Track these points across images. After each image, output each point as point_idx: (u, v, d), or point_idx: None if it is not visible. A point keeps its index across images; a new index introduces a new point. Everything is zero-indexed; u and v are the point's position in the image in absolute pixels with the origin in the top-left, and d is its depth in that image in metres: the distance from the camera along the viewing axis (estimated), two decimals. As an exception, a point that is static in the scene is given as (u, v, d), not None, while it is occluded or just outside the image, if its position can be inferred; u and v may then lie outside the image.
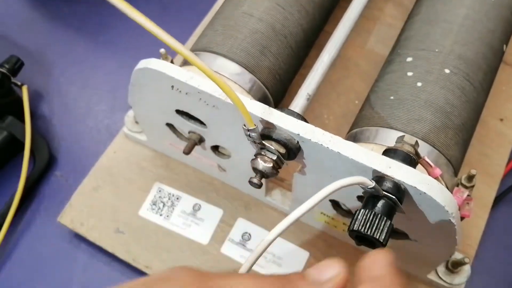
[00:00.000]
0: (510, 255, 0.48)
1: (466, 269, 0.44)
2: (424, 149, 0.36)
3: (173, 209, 0.48)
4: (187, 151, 0.42)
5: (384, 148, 0.34)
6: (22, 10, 0.64)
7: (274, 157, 0.34)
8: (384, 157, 0.32)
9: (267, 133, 0.34)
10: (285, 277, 0.24)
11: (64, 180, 0.53)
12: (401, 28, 0.46)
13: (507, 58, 0.54)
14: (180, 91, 0.37)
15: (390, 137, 0.37)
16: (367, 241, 0.31)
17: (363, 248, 0.33)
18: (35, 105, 0.57)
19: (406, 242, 0.39)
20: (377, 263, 0.25)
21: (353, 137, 0.39)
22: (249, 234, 0.47)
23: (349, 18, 0.44)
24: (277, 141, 0.34)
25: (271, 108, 0.34)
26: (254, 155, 0.34)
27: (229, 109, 0.35)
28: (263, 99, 0.41)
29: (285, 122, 0.33)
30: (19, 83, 0.55)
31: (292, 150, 0.34)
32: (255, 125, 0.32)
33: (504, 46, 0.43)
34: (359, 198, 0.35)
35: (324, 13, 0.47)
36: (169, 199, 0.48)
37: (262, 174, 0.34)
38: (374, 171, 0.32)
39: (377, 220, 0.30)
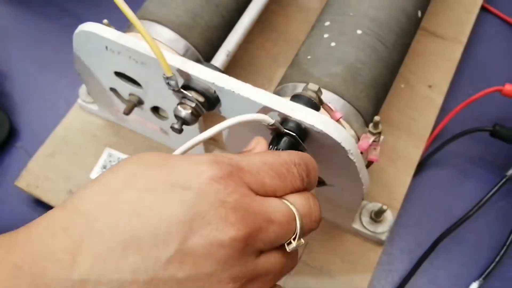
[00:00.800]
0: (436, 210, 0.52)
1: (389, 219, 0.47)
2: (332, 99, 0.40)
3: (122, 172, 0.51)
4: (127, 112, 0.45)
5: (295, 99, 0.38)
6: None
7: (193, 105, 0.37)
8: (288, 100, 0.36)
9: (187, 83, 0.38)
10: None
11: (24, 150, 0.56)
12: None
13: (437, 31, 0.58)
14: (113, 51, 0.40)
15: (304, 91, 0.40)
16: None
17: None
18: (-3, 82, 0.61)
19: (325, 189, 0.42)
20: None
21: (276, 94, 0.43)
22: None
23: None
24: (196, 90, 0.37)
25: (189, 60, 0.38)
26: (177, 104, 0.38)
27: (155, 66, 0.39)
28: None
29: (201, 72, 0.37)
30: (-19, 62, 0.58)
31: (210, 99, 0.38)
32: (172, 73, 0.35)
33: (419, 12, 0.47)
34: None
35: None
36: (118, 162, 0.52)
37: (183, 120, 0.38)
38: (280, 113, 0.35)
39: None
